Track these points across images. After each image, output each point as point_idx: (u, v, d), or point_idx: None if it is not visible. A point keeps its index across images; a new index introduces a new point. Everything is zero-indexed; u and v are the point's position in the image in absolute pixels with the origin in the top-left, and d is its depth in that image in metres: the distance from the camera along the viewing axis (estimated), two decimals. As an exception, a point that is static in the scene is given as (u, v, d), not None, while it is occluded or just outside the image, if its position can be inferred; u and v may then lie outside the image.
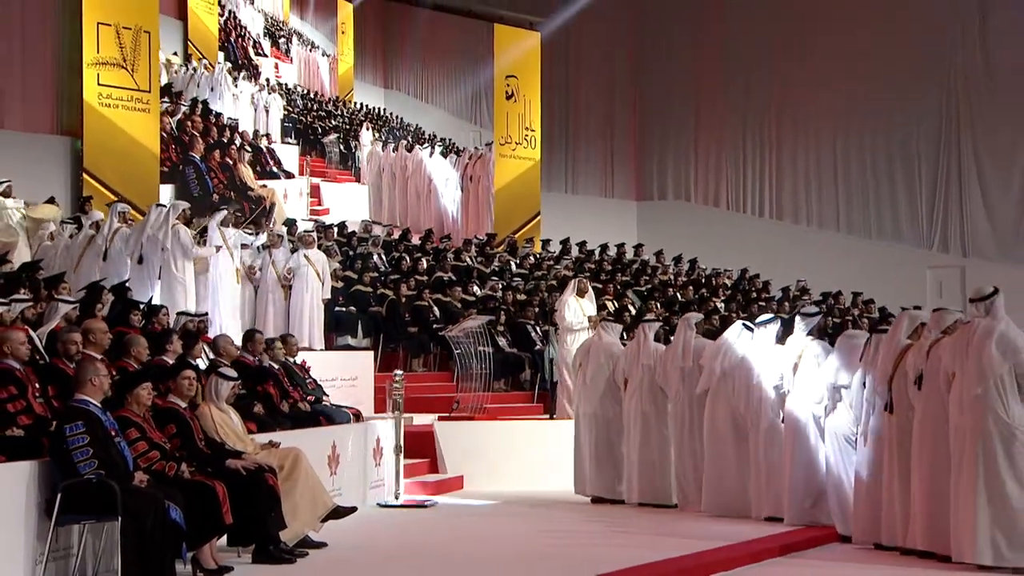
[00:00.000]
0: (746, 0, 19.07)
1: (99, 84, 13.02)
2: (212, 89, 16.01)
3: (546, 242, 16.49)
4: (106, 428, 4.85)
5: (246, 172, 15.39)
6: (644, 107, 20.18)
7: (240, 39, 17.26)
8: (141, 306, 7.76)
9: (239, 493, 5.28)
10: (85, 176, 12.86)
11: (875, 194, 18.07)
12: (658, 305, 12.37)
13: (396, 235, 15.34)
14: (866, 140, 18.13)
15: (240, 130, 16.14)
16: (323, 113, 18.46)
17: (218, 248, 9.67)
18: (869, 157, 18.15)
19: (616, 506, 8.06)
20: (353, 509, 6.38)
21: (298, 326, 10.19)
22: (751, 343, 7.45)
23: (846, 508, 6.63)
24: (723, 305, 13.21)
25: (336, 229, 13.84)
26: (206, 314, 8.91)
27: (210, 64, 16.25)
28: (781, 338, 7.37)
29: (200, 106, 15.30)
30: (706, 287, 14.59)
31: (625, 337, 9.21)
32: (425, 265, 12.84)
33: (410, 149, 18.09)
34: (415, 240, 15.01)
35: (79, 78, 12.93)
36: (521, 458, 9.15)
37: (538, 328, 11.19)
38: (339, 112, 18.72)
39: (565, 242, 15.67)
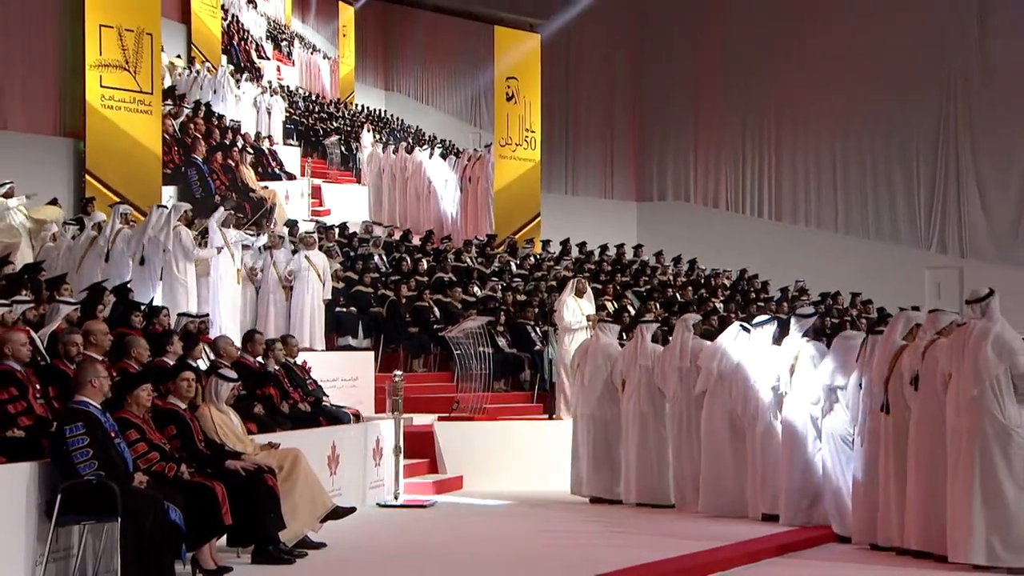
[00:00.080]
0: (745, 2, 19.11)
1: (101, 86, 13.07)
2: (215, 92, 16.09)
3: (546, 243, 16.53)
4: (106, 429, 4.88)
5: (248, 173, 15.45)
6: (644, 108, 20.22)
7: (243, 42, 17.36)
8: (142, 307, 7.78)
9: (238, 494, 5.30)
10: (88, 177, 12.91)
11: (874, 195, 18.12)
12: (657, 306, 12.40)
13: (397, 236, 15.39)
14: (865, 141, 18.17)
15: (242, 132, 16.20)
16: (324, 115, 18.53)
17: (219, 250, 9.71)
18: (868, 158, 18.20)
19: (614, 506, 8.09)
20: (352, 509, 6.40)
21: (299, 327, 10.22)
22: (748, 344, 7.47)
23: (842, 508, 6.66)
24: (722, 305, 13.24)
25: (337, 230, 13.88)
26: (207, 315, 8.95)
27: (213, 67, 16.33)
28: (777, 339, 7.40)
29: (203, 109, 15.37)
30: (705, 287, 14.62)
31: (624, 337, 9.24)
32: (425, 266, 12.88)
33: (410, 151, 18.14)
34: (416, 241, 15.05)
35: (82, 80, 12.98)
36: (520, 458, 9.17)
37: (538, 328, 11.22)
38: (340, 114, 18.79)
39: (565, 243, 15.70)
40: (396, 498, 7.92)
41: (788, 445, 6.98)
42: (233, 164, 15.26)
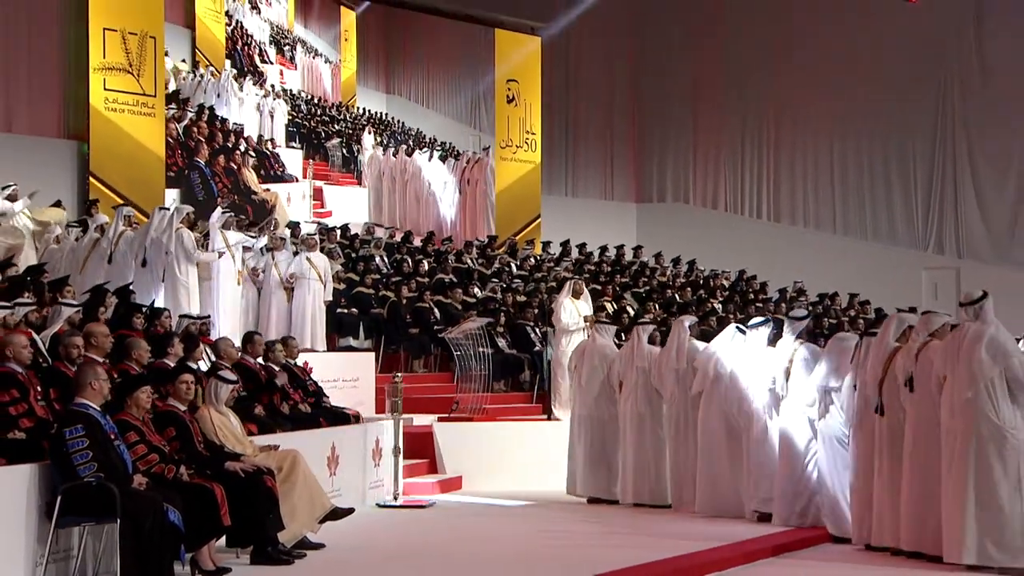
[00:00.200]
0: (744, 4, 19.15)
1: (105, 89, 13.15)
2: (218, 95, 16.17)
3: (546, 244, 16.58)
4: (105, 431, 4.91)
5: (250, 176, 15.53)
6: (643, 110, 20.28)
7: (246, 47, 17.45)
8: (144, 309, 7.82)
9: (237, 495, 5.33)
10: (91, 179, 12.99)
11: (871, 196, 18.16)
12: (656, 306, 12.44)
13: (398, 237, 15.44)
14: (863, 142, 18.22)
15: (245, 135, 16.28)
16: (326, 118, 18.60)
17: (221, 254, 9.76)
18: (866, 159, 18.24)
19: (611, 506, 8.13)
20: (351, 510, 6.42)
21: (300, 328, 10.26)
22: (744, 346, 7.51)
23: (837, 509, 6.69)
24: (721, 306, 13.27)
25: (339, 232, 13.94)
26: (208, 317, 8.98)
27: (217, 71, 16.43)
28: (772, 341, 7.43)
29: (206, 112, 15.46)
30: (704, 288, 14.66)
31: (623, 338, 9.27)
32: (426, 267, 12.93)
33: (409, 154, 18.23)
34: (417, 242, 15.11)
35: (85, 83, 13.07)
36: (520, 458, 9.21)
37: (537, 329, 11.27)
38: (342, 117, 18.86)
39: (565, 244, 15.76)
40: (395, 498, 7.95)
41: (783, 446, 7.01)
42: (235, 167, 15.34)
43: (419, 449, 9.05)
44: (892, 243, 17.81)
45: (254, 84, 17.17)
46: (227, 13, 16.94)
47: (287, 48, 18.34)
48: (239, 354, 7.58)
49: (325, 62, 18.99)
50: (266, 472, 5.67)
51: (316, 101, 18.79)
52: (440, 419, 9.61)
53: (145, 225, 9.86)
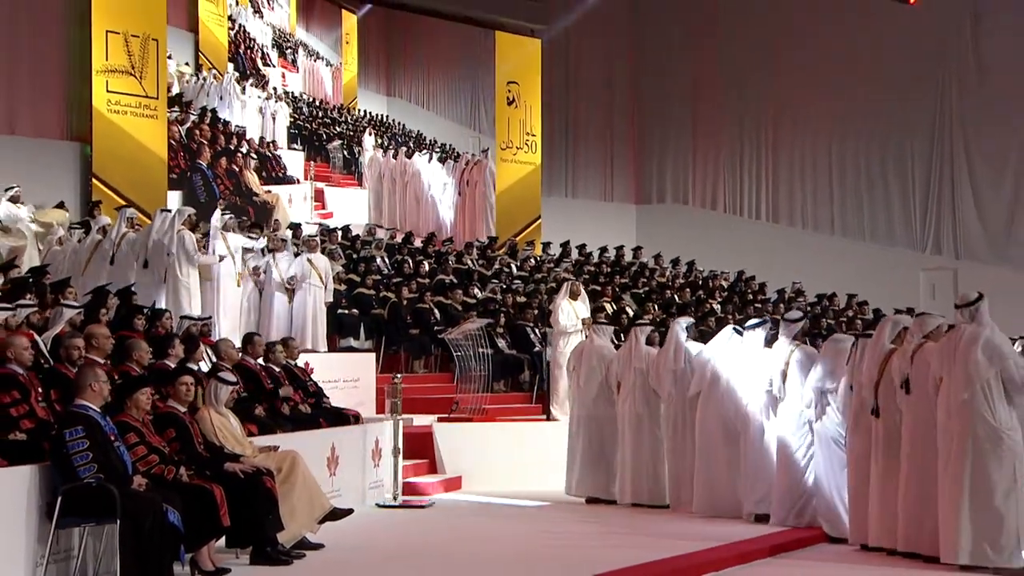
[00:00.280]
0: (743, 5, 19.18)
1: (108, 91, 13.21)
2: (221, 98, 16.25)
3: (546, 245, 16.63)
4: (105, 433, 4.95)
5: (251, 178, 15.60)
6: (643, 111, 20.32)
7: (249, 50, 17.55)
8: (145, 310, 7.86)
9: (237, 496, 5.37)
10: (94, 181, 13.04)
11: (869, 197, 18.20)
12: (655, 307, 12.47)
13: (399, 238, 15.48)
14: (861, 143, 18.25)
15: (247, 137, 16.35)
16: (328, 120, 18.68)
17: (221, 258, 9.80)
18: (864, 160, 18.27)
19: (610, 506, 8.16)
20: (350, 511, 6.44)
21: (301, 329, 10.30)
22: (740, 347, 7.54)
23: (834, 510, 6.72)
24: (719, 307, 13.30)
25: (340, 233, 13.99)
26: (209, 318, 9.02)
27: (219, 74, 16.52)
28: (769, 342, 7.46)
29: (209, 115, 15.54)
30: (703, 289, 14.69)
31: (622, 338, 9.30)
32: (427, 268, 12.97)
33: (409, 155, 18.29)
34: (417, 243, 15.15)
35: (88, 85, 13.12)
36: (519, 459, 9.22)
37: (537, 330, 11.31)
38: (343, 119, 18.94)
39: (565, 245, 15.80)
40: (395, 499, 7.97)
41: (780, 447, 7.04)
42: (237, 169, 15.40)
43: (419, 449, 9.08)
44: (890, 244, 17.84)
45: (256, 87, 17.25)
46: (230, 17, 17.04)
47: (289, 51, 18.43)
48: (239, 355, 7.62)
49: (326, 65, 19.08)
50: (265, 473, 5.70)
51: (317, 104, 18.88)
52: (440, 419, 9.64)
53: (147, 227, 9.90)
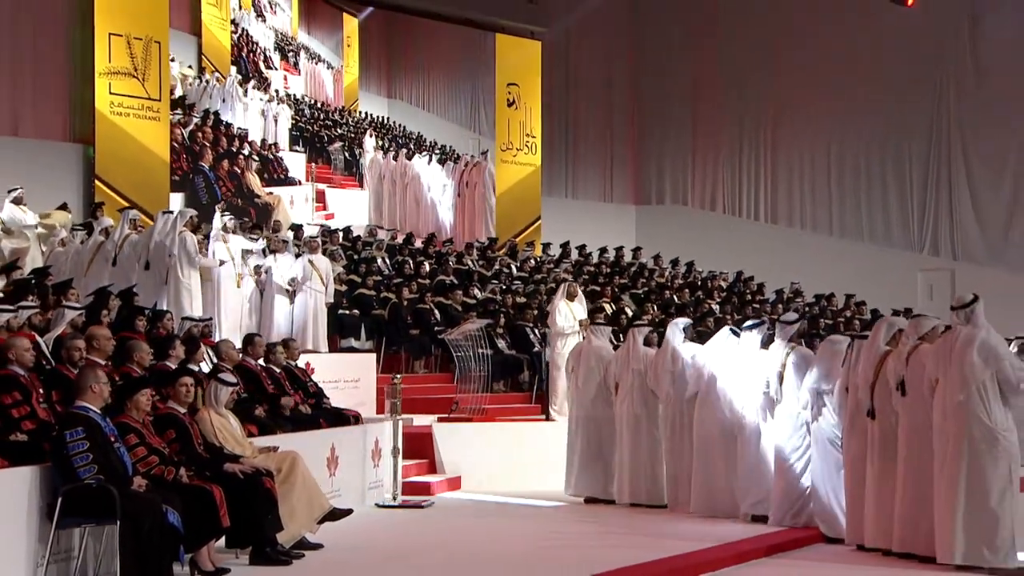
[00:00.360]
0: (743, 5, 19.20)
1: (111, 93, 13.26)
2: (223, 100, 16.32)
3: (546, 246, 16.65)
4: (105, 434, 4.98)
5: (253, 180, 15.65)
6: (642, 113, 20.35)
7: (251, 54, 17.64)
8: (146, 311, 7.90)
9: (237, 496, 5.40)
10: (97, 183, 13.09)
11: (867, 198, 18.24)
12: (655, 308, 12.50)
13: (400, 239, 15.51)
14: (860, 144, 18.28)
15: (249, 139, 16.42)
16: (329, 122, 18.75)
17: (222, 263, 9.84)
18: (862, 161, 18.30)
19: (608, 506, 8.20)
20: (349, 511, 6.47)
21: (302, 329, 10.35)
22: (737, 348, 7.57)
23: (830, 510, 6.75)
24: (718, 307, 13.32)
25: (341, 234, 14.04)
26: (210, 319, 9.05)
27: (222, 76, 16.60)
28: (766, 344, 7.49)
29: (211, 117, 15.61)
30: (702, 290, 14.71)
31: (620, 339, 9.33)
32: (427, 269, 13.01)
33: (409, 157, 18.34)
34: (418, 244, 15.19)
35: (91, 87, 13.17)
36: (518, 459, 9.26)
37: (537, 330, 11.34)
38: (344, 121, 19.01)
39: (565, 246, 15.83)
40: (395, 499, 7.99)
41: (778, 448, 7.07)
42: (239, 171, 15.45)
43: (419, 449, 9.10)
44: (888, 245, 17.87)
45: (258, 89, 17.33)
46: (233, 21, 17.13)
47: (291, 54, 18.52)
48: (240, 356, 7.65)
49: (328, 68, 19.16)
50: (265, 473, 5.73)
51: (319, 106, 18.95)
52: (440, 419, 9.67)
53: (149, 228, 9.93)
